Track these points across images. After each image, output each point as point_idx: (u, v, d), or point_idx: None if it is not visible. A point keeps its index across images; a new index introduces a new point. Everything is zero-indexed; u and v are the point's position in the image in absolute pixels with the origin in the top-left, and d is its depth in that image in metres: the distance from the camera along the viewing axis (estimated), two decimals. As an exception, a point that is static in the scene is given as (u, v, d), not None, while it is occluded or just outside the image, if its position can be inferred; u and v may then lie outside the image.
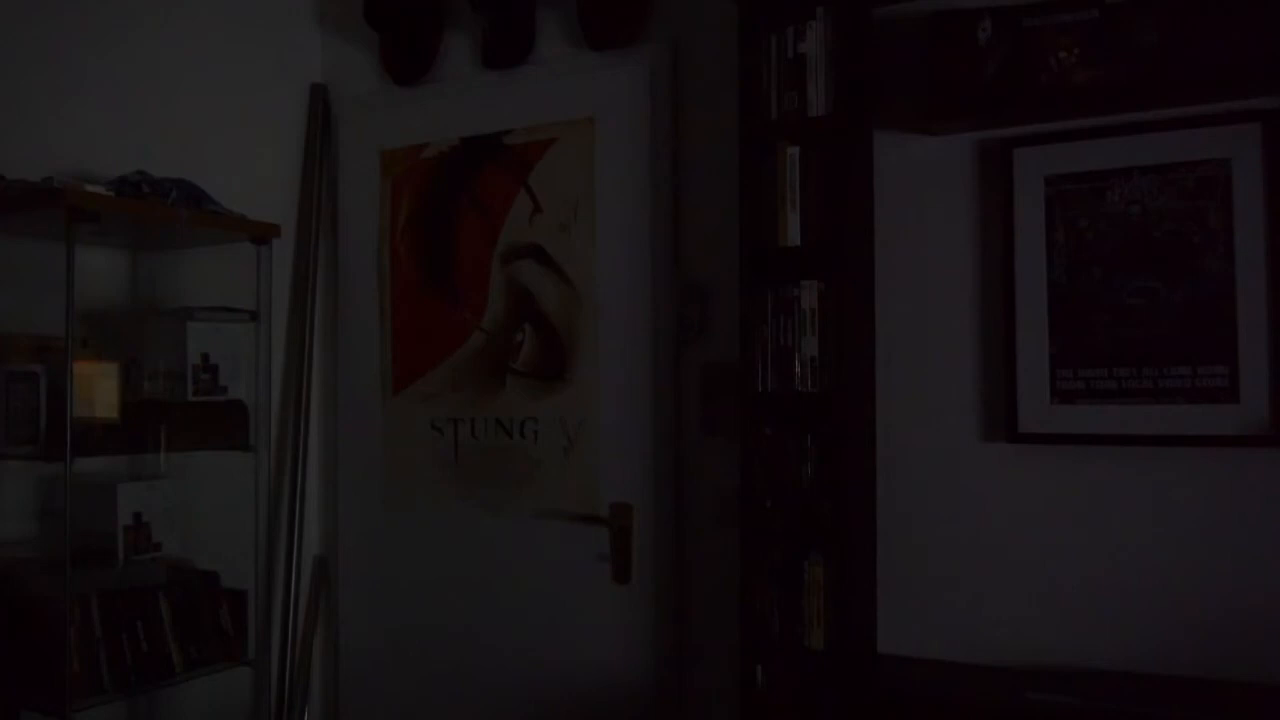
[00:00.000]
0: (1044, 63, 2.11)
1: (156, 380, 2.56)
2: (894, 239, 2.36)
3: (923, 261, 2.35)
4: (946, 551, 2.31)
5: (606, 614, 2.67)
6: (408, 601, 2.99)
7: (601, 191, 2.71)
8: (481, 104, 2.90)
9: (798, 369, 2.20)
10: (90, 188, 2.30)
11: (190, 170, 2.58)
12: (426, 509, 2.98)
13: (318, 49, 3.21)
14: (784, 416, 2.23)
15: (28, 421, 2.31)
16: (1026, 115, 2.19)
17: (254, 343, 2.69)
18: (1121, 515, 2.16)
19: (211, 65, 2.88)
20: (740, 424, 2.27)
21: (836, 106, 2.18)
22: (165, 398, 2.55)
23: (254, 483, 2.70)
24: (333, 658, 3.13)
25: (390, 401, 3.05)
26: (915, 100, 2.29)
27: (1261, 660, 2.03)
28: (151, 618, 2.45)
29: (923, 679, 2.22)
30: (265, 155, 3.05)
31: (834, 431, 2.18)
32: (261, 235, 2.68)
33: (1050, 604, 2.21)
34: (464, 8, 2.86)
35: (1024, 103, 2.15)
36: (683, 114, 2.63)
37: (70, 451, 2.21)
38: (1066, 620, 2.19)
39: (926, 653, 2.30)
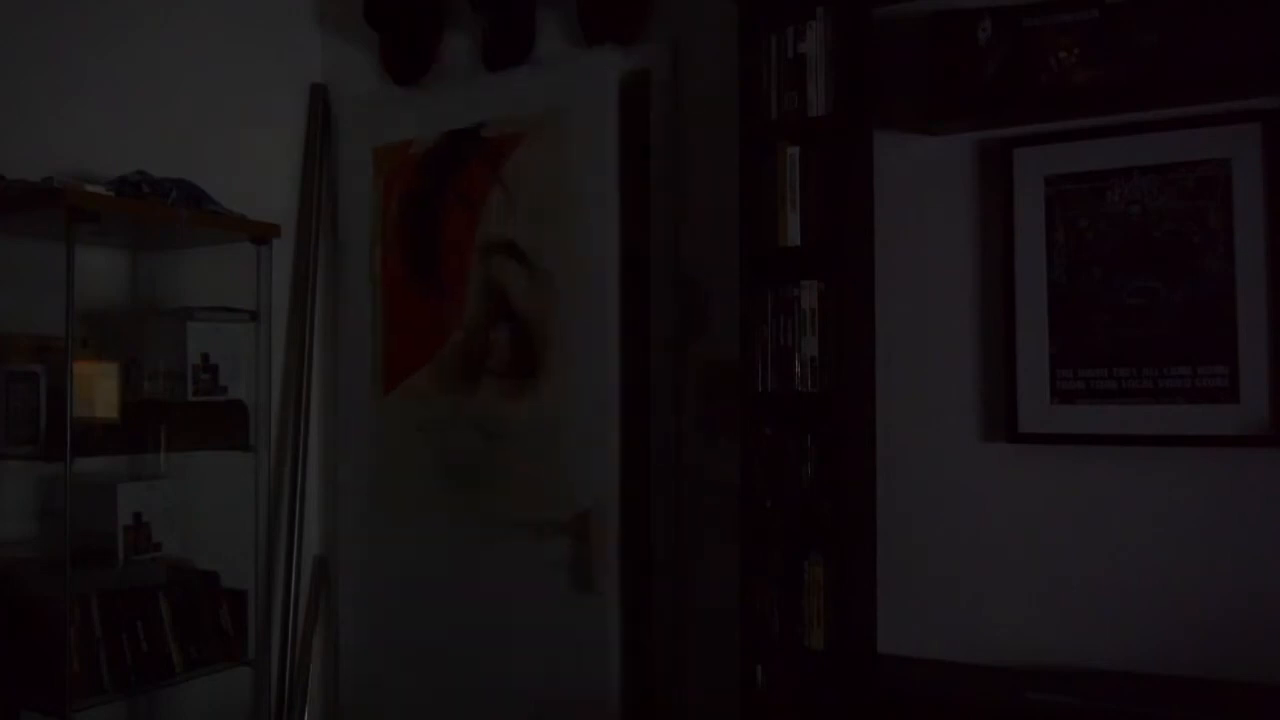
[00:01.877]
0: (1044, 63, 2.11)
1: (156, 380, 2.56)
2: (894, 239, 2.36)
3: (923, 261, 2.35)
4: (946, 551, 2.31)
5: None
6: (408, 601, 2.99)
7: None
8: (482, 104, 2.90)
9: (798, 369, 2.20)
10: (90, 188, 2.30)
11: (190, 170, 2.58)
12: (415, 510, 2.97)
13: (318, 49, 3.21)
14: (784, 416, 2.22)
15: (28, 421, 2.31)
16: (1026, 115, 2.19)
17: (254, 343, 2.69)
18: (1121, 515, 2.16)
19: (211, 65, 2.88)
20: (740, 424, 2.27)
21: (836, 106, 2.18)
22: (165, 398, 2.55)
23: (254, 483, 2.70)
24: (333, 658, 3.13)
25: (381, 401, 3.04)
26: (915, 100, 2.29)
27: (1261, 660, 2.03)
28: (151, 618, 2.46)
29: (923, 679, 2.21)
30: (265, 155, 3.05)
31: (834, 431, 2.18)
32: (261, 235, 2.68)
33: (1050, 604, 2.21)
34: (464, 8, 2.86)
35: (1024, 103, 2.15)
36: (683, 114, 2.63)
37: (70, 451, 2.21)
38: (1066, 620, 2.19)
39: (926, 653, 2.30)
